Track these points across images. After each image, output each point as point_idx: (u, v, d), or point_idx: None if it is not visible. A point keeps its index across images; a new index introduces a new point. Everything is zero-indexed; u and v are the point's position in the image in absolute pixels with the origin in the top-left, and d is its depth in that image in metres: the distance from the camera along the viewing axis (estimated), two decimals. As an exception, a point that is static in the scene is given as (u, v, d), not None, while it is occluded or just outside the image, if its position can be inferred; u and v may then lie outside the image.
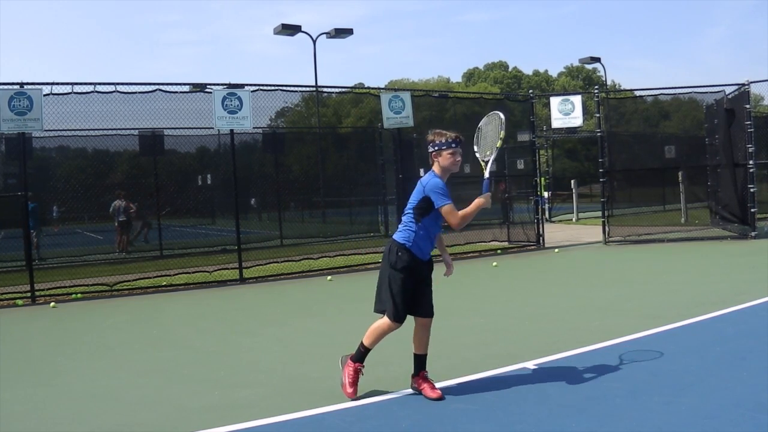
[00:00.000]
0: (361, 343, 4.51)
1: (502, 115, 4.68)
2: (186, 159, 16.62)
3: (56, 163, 15.17)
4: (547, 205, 21.95)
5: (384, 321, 4.45)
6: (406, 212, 4.54)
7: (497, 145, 4.62)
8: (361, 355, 4.51)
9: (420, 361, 4.54)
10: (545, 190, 21.83)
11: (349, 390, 4.44)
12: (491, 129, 4.77)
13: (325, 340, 6.34)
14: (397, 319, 4.41)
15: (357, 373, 4.49)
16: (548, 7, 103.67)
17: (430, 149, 4.47)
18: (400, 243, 4.45)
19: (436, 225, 4.54)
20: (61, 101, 10.16)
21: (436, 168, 4.47)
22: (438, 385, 4.55)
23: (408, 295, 4.43)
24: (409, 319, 4.52)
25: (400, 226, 4.57)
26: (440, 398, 4.34)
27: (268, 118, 16.06)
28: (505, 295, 8.95)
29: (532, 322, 6.75)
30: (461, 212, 4.37)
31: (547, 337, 5.97)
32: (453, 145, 4.41)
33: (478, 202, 4.42)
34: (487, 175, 4.57)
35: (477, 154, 4.79)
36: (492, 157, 4.65)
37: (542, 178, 21.68)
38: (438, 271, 4.76)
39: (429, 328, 4.56)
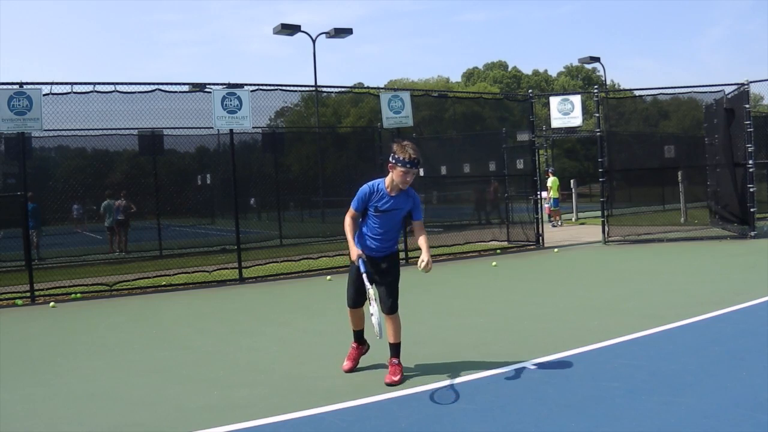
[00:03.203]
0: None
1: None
2: (185, 159, 16.60)
3: (56, 162, 15.16)
4: (549, 206, 21.64)
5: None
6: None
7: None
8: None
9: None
10: (556, 192, 21.42)
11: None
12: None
13: (325, 340, 6.34)
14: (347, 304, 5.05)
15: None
16: (547, 6, 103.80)
17: (390, 160, 4.67)
18: None
19: (372, 225, 4.85)
20: (60, 101, 10.15)
21: (388, 178, 4.75)
22: (437, 384, 4.57)
23: (351, 282, 4.92)
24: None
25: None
26: (391, 383, 4.65)
27: (268, 118, 16.05)
28: (505, 295, 8.95)
29: (532, 322, 6.76)
30: (346, 223, 4.84)
31: (546, 337, 5.97)
32: (408, 165, 4.64)
33: (351, 248, 4.76)
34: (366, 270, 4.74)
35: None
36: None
37: (555, 179, 21.50)
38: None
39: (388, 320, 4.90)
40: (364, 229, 4.88)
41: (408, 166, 4.62)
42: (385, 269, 4.84)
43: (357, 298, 4.92)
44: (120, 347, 6.48)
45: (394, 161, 4.65)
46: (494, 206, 16.24)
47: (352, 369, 5.04)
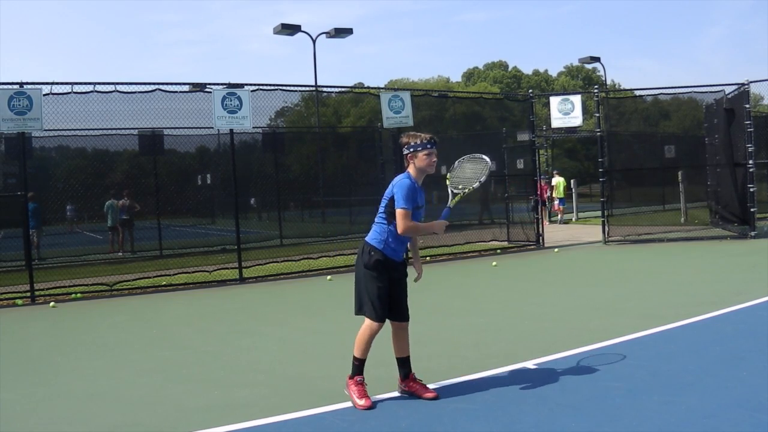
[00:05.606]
0: (353, 356, 4.40)
1: (490, 164, 4.72)
2: (186, 159, 16.61)
3: (56, 162, 15.16)
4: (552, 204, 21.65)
5: (366, 325, 4.38)
6: (378, 213, 4.49)
7: (470, 188, 4.61)
8: (356, 368, 4.37)
9: (404, 364, 4.49)
10: (561, 192, 21.44)
11: (361, 403, 4.25)
12: (475, 169, 4.71)
13: (325, 340, 6.35)
14: (378, 319, 4.35)
15: (360, 385, 4.33)
16: (548, 6, 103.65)
17: (405, 151, 4.44)
18: (372, 244, 4.42)
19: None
20: (60, 101, 10.16)
21: (411, 170, 4.45)
22: (437, 384, 4.56)
23: (384, 294, 4.37)
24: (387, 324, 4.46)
25: (373, 227, 4.50)
26: (436, 397, 4.33)
27: (268, 118, 16.07)
28: (505, 294, 8.95)
29: (532, 321, 6.76)
30: (414, 224, 4.34)
31: (546, 336, 5.98)
32: (428, 146, 4.40)
33: (434, 224, 4.43)
34: (450, 206, 4.59)
35: (448, 181, 4.69)
36: (460, 195, 4.62)
37: (562, 179, 21.53)
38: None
39: (407, 332, 4.51)
40: (395, 232, 4.34)
41: (429, 146, 4.38)
42: (404, 275, 4.51)
43: (388, 310, 4.40)
44: (120, 347, 6.48)
45: (412, 149, 4.38)
46: (543, 204, 16.15)
47: (373, 404, 4.30)
